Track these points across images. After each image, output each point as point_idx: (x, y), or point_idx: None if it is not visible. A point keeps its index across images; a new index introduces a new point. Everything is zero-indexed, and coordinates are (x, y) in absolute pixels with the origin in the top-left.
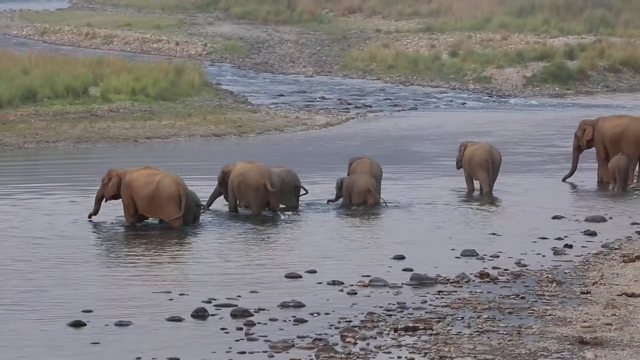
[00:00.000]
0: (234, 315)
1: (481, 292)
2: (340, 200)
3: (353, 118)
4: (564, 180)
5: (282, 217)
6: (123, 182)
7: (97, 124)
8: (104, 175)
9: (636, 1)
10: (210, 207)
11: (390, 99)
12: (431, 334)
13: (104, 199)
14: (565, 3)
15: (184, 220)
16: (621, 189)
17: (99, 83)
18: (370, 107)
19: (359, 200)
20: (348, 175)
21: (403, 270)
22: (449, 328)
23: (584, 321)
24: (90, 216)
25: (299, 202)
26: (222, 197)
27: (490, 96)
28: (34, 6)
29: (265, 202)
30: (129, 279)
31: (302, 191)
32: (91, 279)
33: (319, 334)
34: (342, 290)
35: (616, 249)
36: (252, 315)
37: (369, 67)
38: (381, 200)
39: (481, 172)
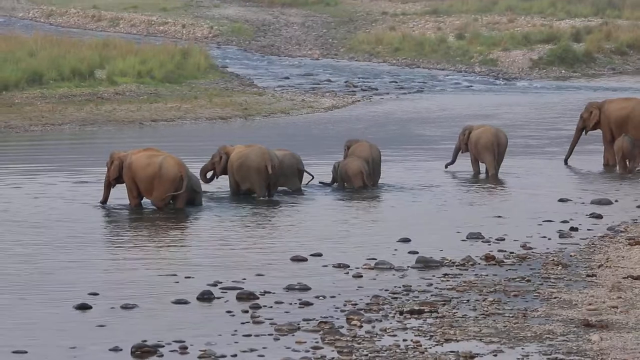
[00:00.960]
0: (239, 298)
1: (487, 275)
2: (335, 184)
3: (359, 101)
4: (565, 161)
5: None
6: (125, 164)
7: (103, 106)
8: (107, 159)
9: None
10: (209, 189)
11: (396, 82)
12: (437, 317)
13: (111, 183)
14: None
15: (185, 202)
16: (624, 169)
17: (105, 66)
18: (376, 89)
19: (355, 184)
20: (345, 157)
21: (409, 253)
22: (454, 311)
23: (590, 304)
24: (101, 203)
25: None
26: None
27: (496, 79)
28: None
29: (267, 184)
30: (134, 262)
31: (308, 177)
32: (97, 262)
33: (324, 317)
34: (347, 273)
35: (622, 231)
36: (258, 298)
37: (375, 50)
38: (371, 184)
39: (487, 155)
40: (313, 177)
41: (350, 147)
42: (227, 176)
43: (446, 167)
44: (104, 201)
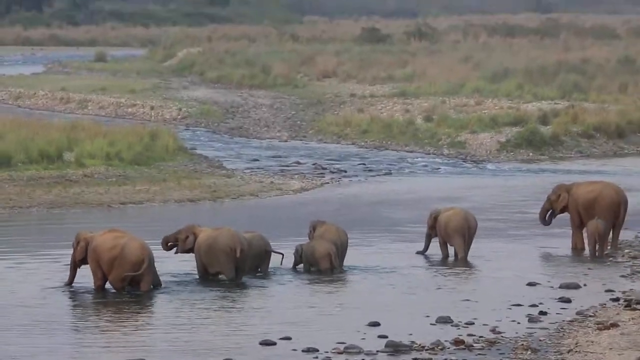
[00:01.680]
0: None
1: None
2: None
3: (328, 183)
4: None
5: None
6: (90, 246)
7: (72, 189)
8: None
9: (608, 67)
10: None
11: (364, 164)
12: None
13: (76, 264)
14: (538, 68)
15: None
16: (599, 253)
17: (73, 148)
18: (345, 172)
19: (320, 266)
20: (310, 239)
21: (378, 337)
22: None
23: None
24: (66, 285)
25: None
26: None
27: (464, 161)
28: (8, 71)
29: (235, 266)
30: (101, 347)
31: (278, 257)
32: (62, 347)
33: None
34: (317, 358)
35: (591, 316)
36: None
37: (344, 132)
38: (339, 267)
39: (457, 238)
40: (283, 256)
41: (315, 228)
42: (185, 254)
43: (419, 253)
44: (70, 282)
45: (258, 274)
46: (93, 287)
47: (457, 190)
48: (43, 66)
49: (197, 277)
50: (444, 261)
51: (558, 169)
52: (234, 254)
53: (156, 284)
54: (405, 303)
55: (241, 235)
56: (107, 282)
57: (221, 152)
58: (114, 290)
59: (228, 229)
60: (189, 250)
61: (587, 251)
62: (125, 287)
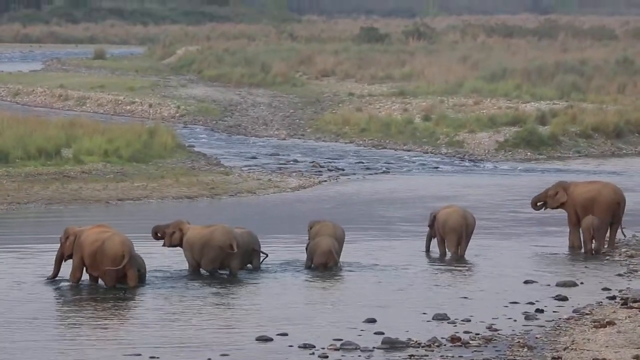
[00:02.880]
0: None
1: (452, 357)
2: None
3: (325, 181)
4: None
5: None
6: (77, 241)
7: (69, 185)
8: (61, 234)
9: (606, 67)
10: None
11: (362, 162)
12: None
13: (64, 259)
14: (537, 68)
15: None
16: (595, 250)
17: (71, 145)
18: (343, 170)
19: (321, 262)
20: (309, 238)
21: (374, 333)
22: None
23: None
24: (49, 279)
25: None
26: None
27: (462, 160)
28: (6, 68)
29: (221, 262)
30: (97, 341)
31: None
32: (61, 340)
33: None
34: (313, 354)
35: (587, 314)
36: None
37: (342, 131)
38: (340, 264)
39: (454, 236)
40: (267, 256)
41: (312, 227)
42: (175, 248)
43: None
44: (54, 276)
45: (248, 270)
46: (70, 278)
47: (455, 189)
48: (42, 63)
49: (189, 273)
50: (441, 259)
51: (556, 168)
52: (229, 250)
53: (141, 280)
54: (402, 300)
55: (235, 231)
56: (82, 276)
57: (219, 150)
58: (103, 286)
59: (222, 225)
60: (175, 245)
61: (584, 249)
62: (115, 283)
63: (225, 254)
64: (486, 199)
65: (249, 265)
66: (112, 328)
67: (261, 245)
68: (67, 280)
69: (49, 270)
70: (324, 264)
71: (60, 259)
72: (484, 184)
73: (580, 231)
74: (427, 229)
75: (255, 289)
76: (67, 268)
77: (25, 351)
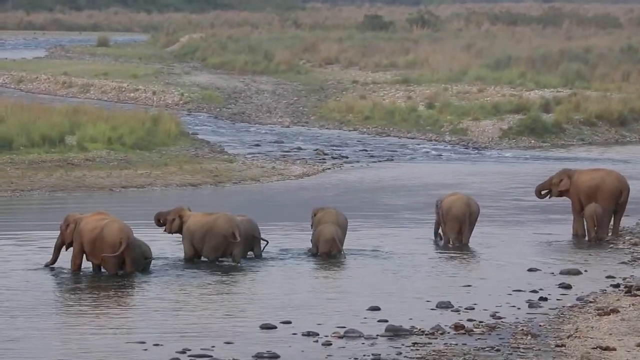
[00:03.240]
0: None
1: (456, 344)
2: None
3: (329, 169)
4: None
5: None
6: (77, 228)
7: (73, 172)
8: (61, 222)
9: (611, 55)
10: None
11: (366, 150)
12: None
13: (64, 246)
14: (541, 56)
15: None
16: (599, 237)
17: (75, 132)
18: (347, 157)
19: (325, 250)
20: (311, 225)
21: (378, 321)
22: None
23: None
24: (47, 265)
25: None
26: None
27: (466, 148)
28: (10, 55)
29: (223, 251)
30: (100, 329)
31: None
32: (63, 328)
33: None
34: (317, 342)
35: (591, 302)
36: None
37: (346, 118)
38: (342, 251)
39: (457, 224)
40: (267, 243)
41: (315, 214)
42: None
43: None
44: (52, 263)
45: (251, 258)
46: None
47: (458, 176)
48: (45, 50)
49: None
50: (445, 246)
51: (560, 156)
52: (232, 239)
53: (145, 269)
54: (406, 288)
55: (237, 219)
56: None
57: (223, 138)
58: (104, 274)
59: (224, 213)
60: (176, 232)
61: (587, 237)
62: (117, 270)
63: (227, 242)
64: (490, 186)
65: (250, 252)
66: (115, 316)
67: (262, 233)
68: (68, 268)
69: (49, 257)
70: (327, 252)
71: (59, 246)
72: (488, 171)
73: (584, 219)
74: (431, 216)
75: (258, 277)
76: (66, 255)
77: (27, 340)
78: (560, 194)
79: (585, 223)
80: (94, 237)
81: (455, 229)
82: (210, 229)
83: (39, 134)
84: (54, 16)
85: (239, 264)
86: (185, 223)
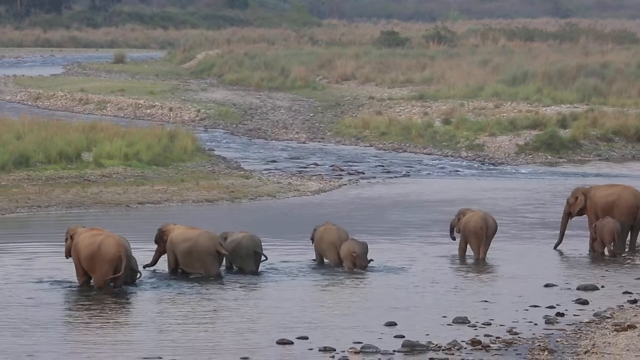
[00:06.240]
0: None
1: None
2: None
3: (345, 184)
4: (555, 248)
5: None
6: (73, 242)
7: (90, 189)
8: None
9: (628, 70)
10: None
11: (382, 166)
12: None
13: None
14: (557, 72)
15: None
16: (616, 252)
17: (92, 148)
18: (363, 173)
19: (349, 265)
20: (311, 240)
21: (395, 337)
22: None
23: None
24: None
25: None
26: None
27: (482, 164)
28: (28, 72)
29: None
30: (116, 345)
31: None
32: (79, 344)
33: None
34: (333, 357)
35: (608, 317)
36: None
37: (362, 134)
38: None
39: (475, 239)
40: (266, 258)
41: (315, 229)
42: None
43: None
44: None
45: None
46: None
47: (475, 192)
48: (62, 67)
49: (208, 275)
50: (461, 262)
51: (576, 172)
52: (217, 254)
53: (132, 280)
54: (422, 303)
55: (217, 235)
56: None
57: (239, 154)
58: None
59: (205, 230)
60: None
61: (606, 252)
62: (107, 284)
63: (208, 259)
64: (506, 202)
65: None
66: (124, 332)
67: (278, 248)
68: (73, 283)
69: (59, 273)
70: (352, 267)
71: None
72: (504, 187)
73: (601, 233)
74: (446, 233)
75: (274, 293)
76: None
77: (39, 355)
78: (579, 212)
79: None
80: (90, 252)
81: (474, 245)
82: (194, 245)
83: (56, 151)
84: (71, 33)
85: (219, 279)
86: (169, 237)
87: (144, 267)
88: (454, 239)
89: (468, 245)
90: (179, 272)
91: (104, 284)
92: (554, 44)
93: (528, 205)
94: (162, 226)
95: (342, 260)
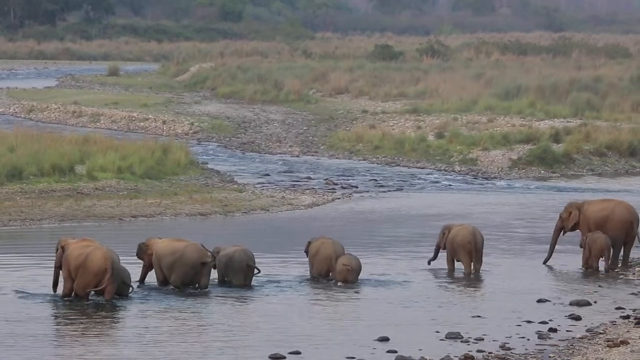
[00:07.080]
0: None
1: None
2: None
3: (339, 198)
4: (544, 263)
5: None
6: (64, 253)
7: (83, 202)
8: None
9: (621, 85)
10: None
11: (376, 180)
12: None
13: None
14: (551, 86)
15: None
16: (608, 268)
17: (85, 161)
18: (356, 187)
19: (341, 279)
20: (306, 253)
21: (387, 352)
22: None
23: None
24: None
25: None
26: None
27: (475, 178)
28: (21, 84)
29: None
30: (105, 359)
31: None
32: (68, 359)
33: None
34: None
35: (601, 333)
36: None
37: (356, 148)
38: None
39: (463, 254)
40: (259, 271)
41: (310, 243)
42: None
43: (429, 263)
44: (54, 284)
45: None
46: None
47: (468, 207)
48: (56, 80)
49: (198, 289)
50: (453, 276)
51: (570, 186)
52: (200, 267)
53: (125, 294)
54: (415, 318)
55: (204, 247)
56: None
57: (233, 167)
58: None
59: (192, 242)
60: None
61: (601, 268)
62: (88, 295)
63: (194, 271)
64: (499, 217)
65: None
66: (117, 346)
67: (270, 262)
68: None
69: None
70: (343, 281)
71: (58, 268)
72: (497, 202)
73: (589, 248)
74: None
75: (266, 306)
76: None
77: None
78: (572, 227)
79: (591, 252)
80: (78, 264)
81: (465, 259)
82: (181, 257)
83: (49, 164)
84: (65, 45)
85: (206, 289)
86: (153, 251)
87: (138, 285)
88: (434, 259)
89: (455, 260)
90: (172, 288)
91: (85, 294)
92: (547, 57)
93: (521, 219)
94: (146, 240)
95: (335, 273)
